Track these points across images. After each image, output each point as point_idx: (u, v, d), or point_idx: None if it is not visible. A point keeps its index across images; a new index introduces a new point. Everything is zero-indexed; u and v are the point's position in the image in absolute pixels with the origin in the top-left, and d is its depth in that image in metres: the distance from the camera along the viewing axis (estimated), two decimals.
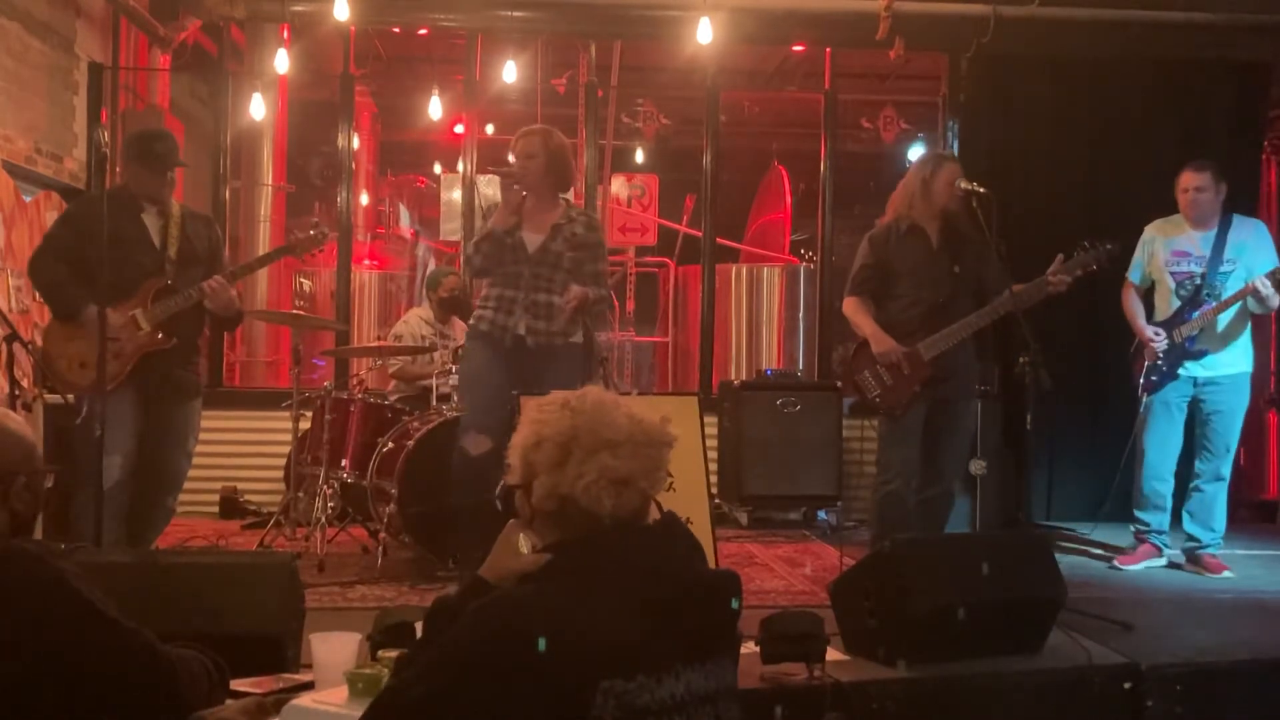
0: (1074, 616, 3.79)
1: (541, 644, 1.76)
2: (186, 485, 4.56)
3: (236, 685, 2.50)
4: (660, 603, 1.89)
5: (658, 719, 1.82)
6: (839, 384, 6.96)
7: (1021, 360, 4.44)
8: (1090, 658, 3.50)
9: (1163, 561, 5.38)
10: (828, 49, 7.68)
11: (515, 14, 7.20)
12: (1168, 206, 5.61)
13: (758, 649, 3.03)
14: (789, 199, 10.66)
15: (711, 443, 6.18)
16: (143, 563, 3.19)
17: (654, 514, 2.04)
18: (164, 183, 4.48)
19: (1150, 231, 5.39)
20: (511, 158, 4.67)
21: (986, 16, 6.81)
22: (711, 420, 6.47)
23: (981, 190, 4.60)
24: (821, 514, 6.66)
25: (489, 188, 9.25)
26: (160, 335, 4.40)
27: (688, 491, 4.35)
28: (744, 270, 8.59)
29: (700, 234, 7.83)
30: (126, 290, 4.37)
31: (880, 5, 6.74)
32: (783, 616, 3.13)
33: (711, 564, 3.39)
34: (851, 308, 4.88)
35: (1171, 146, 6.90)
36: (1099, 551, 5.65)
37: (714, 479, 6.18)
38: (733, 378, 7.57)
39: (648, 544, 1.98)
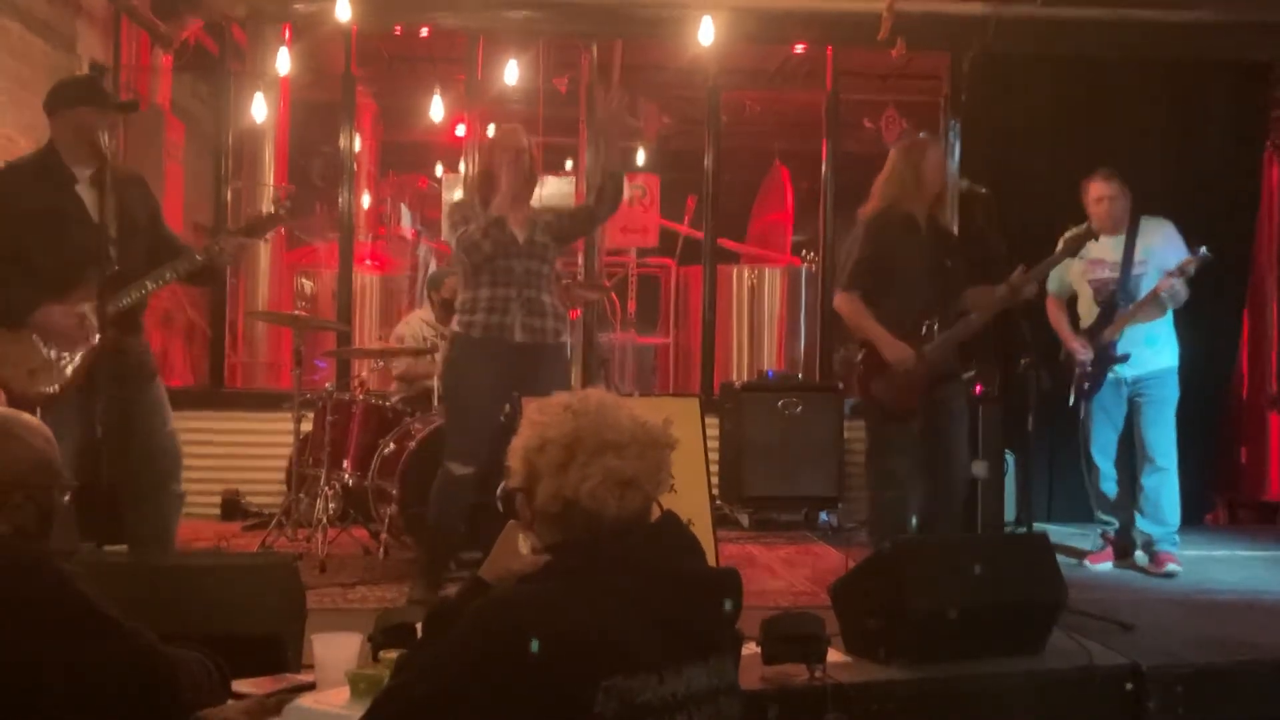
0: (1075, 617, 3.80)
1: (534, 645, 1.76)
2: (187, 486, 4.35)
3: (238, 686, 2.50)
4: (661, 601, 1.90)
5: (659, 717, 1.82)
6: (840, 385, 6.97)
7: (1022, 362, 4.42)
8: (1091, 658, 3.49)
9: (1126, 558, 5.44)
10: (829, 48, 7.67)
11: (516, 14, 7.21)
12: (1169, 207, 5.62)
13: (758, 650, 3.03)
14: (790, 199, 10.66)
15: (713, 444, 6.19)
16: (144, 564, 3.20)
17: (654, 514, 2.04)
18: (108, 128, 3.92)
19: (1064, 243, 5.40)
20: (509, 148, 4.44)
21: (988, 16, 6.82)
22: (712, 422, 6.47)
23: (982, 190, 4.59)
24: (823, 515, 6.65)
25: None
26: (115, 333, 3.83)
27: (689, 493, 4.34)
28: (745, 271, 8.59)
29: (701, 235, 7.83)
30: (69, 280, 3.82)
31: (882, 5, 6.73)
32: (784, 617, 3.13)
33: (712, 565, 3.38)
34: (848, 305, 4.63)
35: (1173, 146, 6.92)
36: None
37: (715, 480, 6.17)
38: (734, 379, 7.57)
39: (647, 543, 1.98)
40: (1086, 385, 5.33)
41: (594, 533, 1.95)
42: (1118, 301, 5.28)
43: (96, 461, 3.74)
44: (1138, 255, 5.29)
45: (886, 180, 4.70)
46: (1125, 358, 5.26)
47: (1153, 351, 5.32)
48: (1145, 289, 5.26)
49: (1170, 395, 5.36)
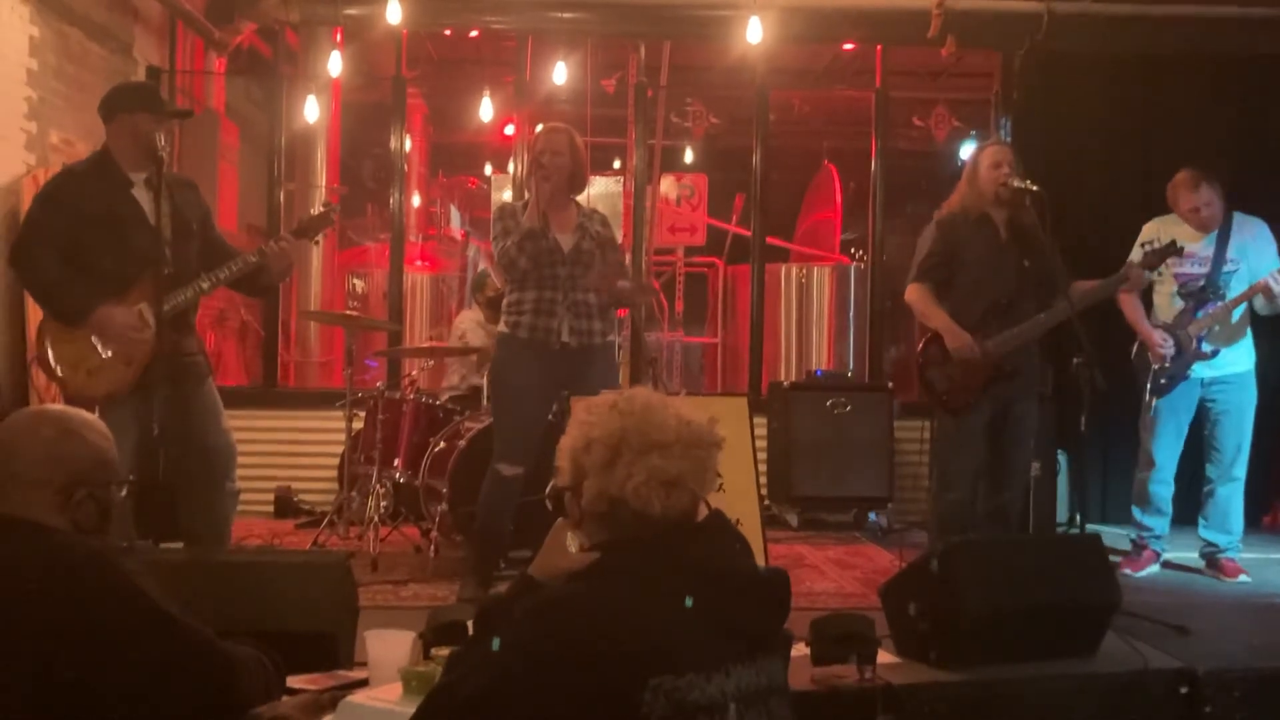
0: (1129, 620, 3.75)
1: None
2: (240, 484, 4.39)
3: (292, 682, 2.53)
4: (709, 600, 1.90)
5: (709, 716, 1.82)
6: (890, 384, 6.93)
7: (1076, 361, 4.37)
8: (1146, 662, 3.45)
9: (1156, 568, 5.32)
10: (879, 47, 7.63)
11: (565, 15, 7.23)
12: (1232, 206, 5.52)
13: (808, 651, 3.02)
14: (839, 198, 10.61)
15: (761, 444, 6.16)
16: (200, 561, 3.24)
17: (703, 513, 2.04)
18: (164, 134, 3.93)
19: (1150, 231, 5.29)
20: (537, 154, 4.47)
21: (1040, 13, 6.74)
22: (761, 421, 6.45)
23: (1034, 189, 4.54)
24: (872, 515, 6.61)
25: None
26: (170, 333, 3.89)
27: (737, 493, 4.34)
28: (794, 270, 8.56)
29: (750, 233, 7.82)
30: (126, 281, 3.91)
31: (932, 2, 6.69)
32: (833, 618, 3.12)
33: (761, 565, 3.38)
34: (917, 295, 4.74)
35: (1228, 144, 6.79)
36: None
37: (763, 480, 6.16)
38: (782, 378, 7.54)
39: (696, 542, 1.99)
40: (1164, 381, 5.19)
41: (641, 531, 1.96)
42: (1208, 297, 5.16)
43: (153, 460, 3.80)
44: (1230, 253, 5.17)
45: (957, 187, 4.81)
46: (1214, 353, 5.13)
47: (1236, 354, 5.20)
48: (1235, 288, 5.15)
49: (1249, 401, 5.24)
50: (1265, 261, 5.17)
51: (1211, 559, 5.26)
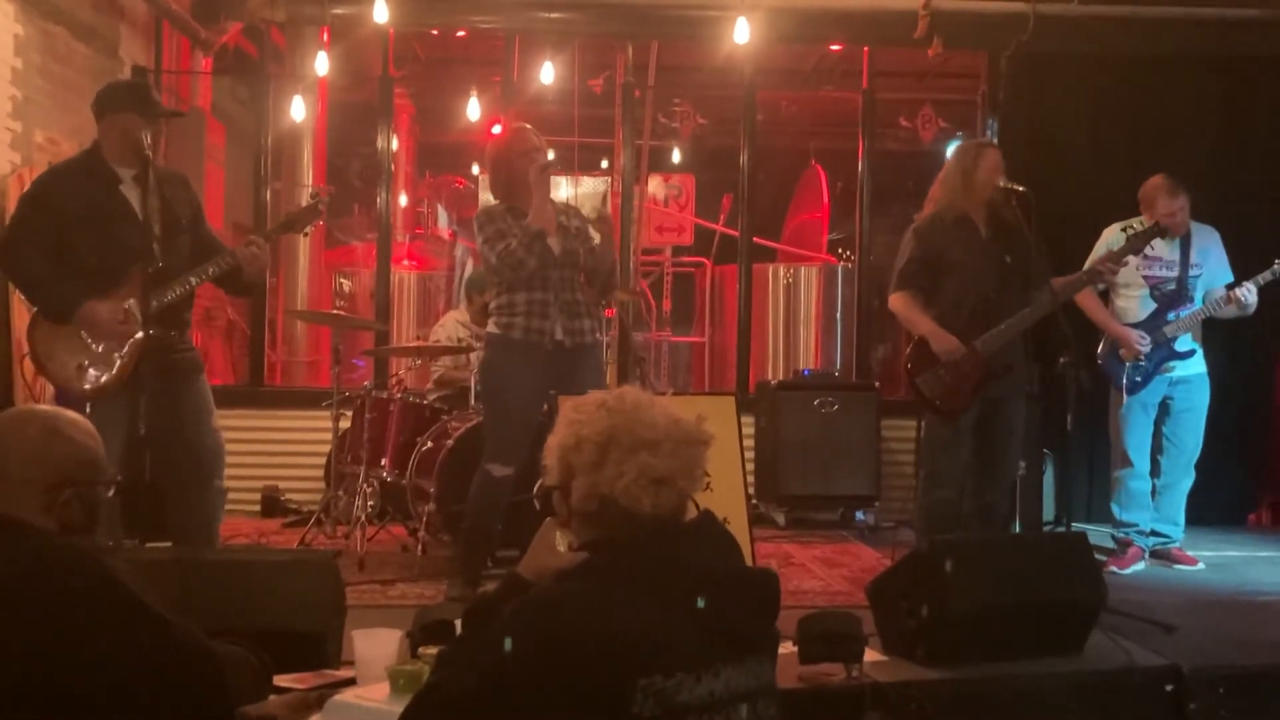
0: (1114, 618, 3.77)
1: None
2: (227, 483, 4.35)
3: (279, 681, 2.53)
4: (698, 600, 1.90)
5: (698, 716, 1.83)
6: (877, 384, 6.94)
7: (1062, 361, 4.39)
8: (1131, 659, 3.47)
9: (1143, 565, 5.39)
10: (865, 48, 7.64)
11: (552, 15, 7.22)
12: (1210, 207, 5.56)
13: (795, 649, 3.03)
14: (826, 198, 10.64)
15: (749, 443, 6.17)
16: (187, 560, 3.23)
17: (691, 513, 2.05)
18: (154, 134, 3.97)
19: (1115, 235, 5.34)
20: (525, 153, 4.46)
21: (1026, 14, 6.75)
22: (749, 420, 6.46)
23: (1021, 189, 4.55)
24: (859, 514, 6.62)
25: None
26: (158, 329, 3.87)
27: (725, 492, 4.34)
28: (781, 270, 8.57)
29: (737, 233, 7.83)
30: (114, 277, 3.90)
31: (918, 3, 6.70)
32: (820, 616, 3.13)
33: (749, 564, 3.39)
34: (902, 304, 4.71)
35: (1215, 145, 6.83)
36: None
37: (751, 479, 6.17)
38: (770, 378, 7.56)
39: (685, 542, 1.99)
40: (1139, 379, 5.30)
41: (631, 530, 1.96)
42: (1179, 299, 5.28)
43: (142, 457, 3.79)
44: (1193, 257, 5.32)
45: (939, 183, 4.79)
46: (1191, 353, 5.28)
47: (1198, 356, 5.37)
48: (1199, 290, 5.32)
49: (1206, 400, 5.40)
50: (1221, 267, 5.38)
51: (1162, 551, 5.39)
